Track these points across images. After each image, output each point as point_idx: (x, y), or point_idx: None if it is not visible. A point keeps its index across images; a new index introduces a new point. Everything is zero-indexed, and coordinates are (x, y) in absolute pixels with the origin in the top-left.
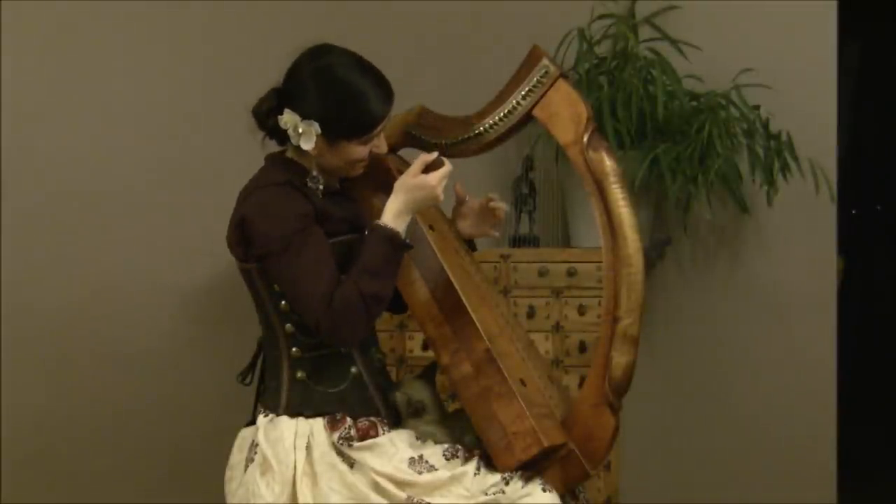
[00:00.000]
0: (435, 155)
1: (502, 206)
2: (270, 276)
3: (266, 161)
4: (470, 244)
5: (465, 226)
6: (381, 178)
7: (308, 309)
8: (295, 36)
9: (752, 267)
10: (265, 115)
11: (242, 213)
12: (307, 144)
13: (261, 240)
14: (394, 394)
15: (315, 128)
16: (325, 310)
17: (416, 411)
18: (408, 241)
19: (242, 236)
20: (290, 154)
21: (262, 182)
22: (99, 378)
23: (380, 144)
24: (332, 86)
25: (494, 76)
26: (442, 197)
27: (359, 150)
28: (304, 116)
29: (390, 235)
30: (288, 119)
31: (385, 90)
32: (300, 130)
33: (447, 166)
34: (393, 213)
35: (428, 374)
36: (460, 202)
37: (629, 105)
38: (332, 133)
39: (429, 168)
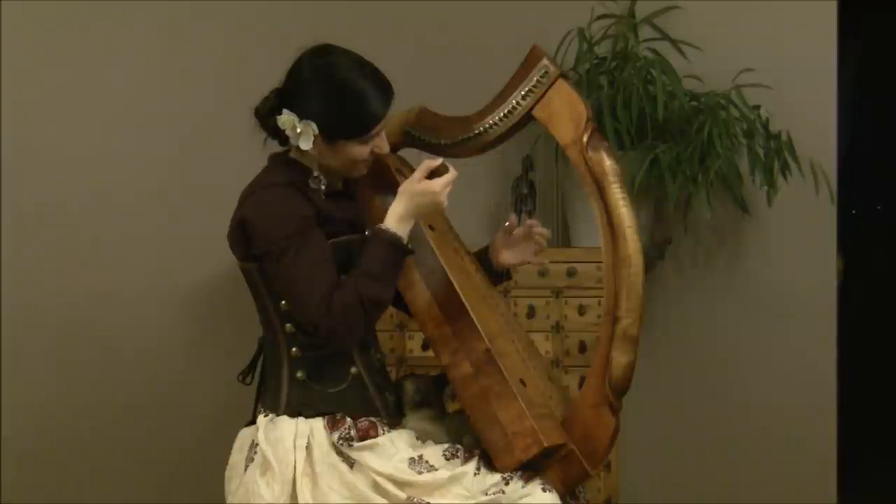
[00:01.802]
0: (440, 161)
1: (545, 231)
2: (269, 277)
3: (269, 161)
4: (500, 277)
5: (506, 255)
6: (382, 179)
7: (306, 311)
8: (296, 36)
9: (752, 267)
10: (266, 116)
11: (243, 213)
12: (305, 144)
13: (260, 240)
14: (404, 381)
15: (312, 128)
16: (323, 312)
17: (419, 404)
18: (410, 245)
19: (243, 236)
20: (292, 154)
21: (263, 183)
22: (99, 378)
23: (381, 144)
24: (331, 85)
25: (494, 76)
26: (445, 203)
27: (359, 150)
28: (304, 116)
29: (392, 239)
30: (285, 119)
31: (384, 90)
32: (298, 130)
33: (452, 172)
34: (396, 218)
35: (440, 379)
36: (509, 231)
37: (629, 105)
38: (331, 133)
39: (433, 174)
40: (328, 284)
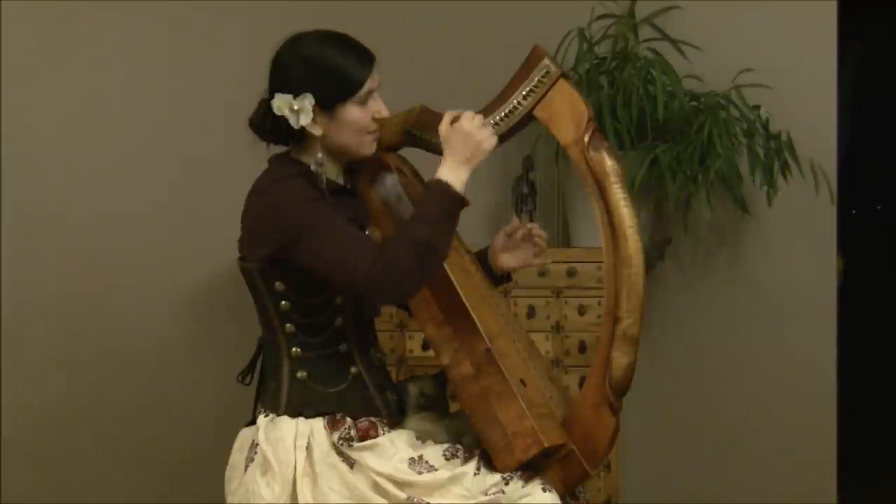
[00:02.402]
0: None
1: (543, 233)
2: (308, 259)
3: (270, 161)
4: (501, 280)
5: (506, 258)
6: (382, 177)
7: (357, 270)
8: None
9: (752, 267)
10: (261, 121)
11: (261, 210)
12: (306, 119)
13: (284, 230)
14: (407, 383)
15: (309, 99)
16: (378, 257)
17: (423, 406)
18: (465, 196)
19: (264, 233)
20: (293, 154)
21: (271, 178)
22: (99, 378)
23: (380, 108)
24: (310, 58)
25: (494, 76)
26: (484, 133)
27: (360, 114)
28: (297, 94)
29: (444, 187)
30: (280, 103)
31: (359, 50)
32: (296, 107)
33: (468, 113)
34: (448, 169)
35: (442, 376)
36: (512, 232)
37: (629, 105)
38: (325, 101)
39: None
40: (369, 240)
